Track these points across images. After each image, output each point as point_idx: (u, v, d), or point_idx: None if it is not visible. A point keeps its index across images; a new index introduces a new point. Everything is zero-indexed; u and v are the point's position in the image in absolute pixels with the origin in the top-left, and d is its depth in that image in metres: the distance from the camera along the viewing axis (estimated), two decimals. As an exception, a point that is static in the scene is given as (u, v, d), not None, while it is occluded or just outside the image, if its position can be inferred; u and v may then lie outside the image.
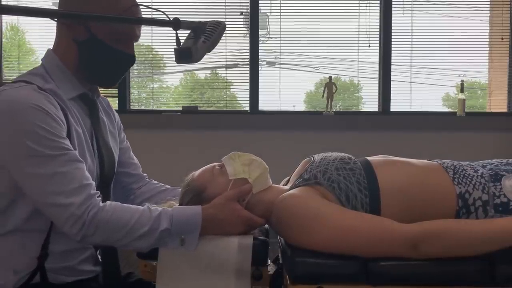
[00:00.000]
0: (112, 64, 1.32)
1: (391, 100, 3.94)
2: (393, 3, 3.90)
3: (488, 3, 4.07)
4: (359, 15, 3.95)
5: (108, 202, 1.21)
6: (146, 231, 1.19)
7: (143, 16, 1.36)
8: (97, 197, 1.20)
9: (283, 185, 1.47)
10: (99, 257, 1.39)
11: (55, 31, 1.34)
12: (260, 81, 3.93)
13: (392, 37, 3.91)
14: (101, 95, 1.48)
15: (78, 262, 1.31)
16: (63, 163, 1.17)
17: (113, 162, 1.42)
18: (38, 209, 1.20)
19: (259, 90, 3.93)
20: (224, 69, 4.05)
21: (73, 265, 1.30)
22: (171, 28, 1.21)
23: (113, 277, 1.39)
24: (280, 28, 3.97)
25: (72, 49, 1.29)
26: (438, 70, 4.03)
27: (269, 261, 1.33)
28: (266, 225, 1.39)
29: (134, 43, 1.36)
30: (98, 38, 1.27)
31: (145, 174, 1.61)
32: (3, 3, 3.91)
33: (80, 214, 1.15)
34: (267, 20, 3.98)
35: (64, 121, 1.22)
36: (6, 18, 4.05)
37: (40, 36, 3.82)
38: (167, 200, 1.44)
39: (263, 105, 3.96)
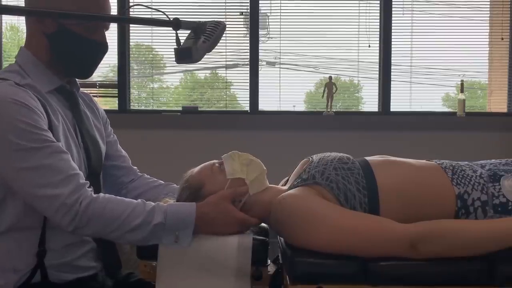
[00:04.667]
0: (84, 54, 1.32)
1: (391, 100, 3.94)
2: (393, 3, 3.90)
3: (488, 3, 4.07)
4: (359, 15, 3.95)
5: (101, 194, 1.22)
6: (139, 223, 1.19)
7: (143, 16, 1.36)
8: (88, 187, 1.20)
9: (282, 186, 1.47)
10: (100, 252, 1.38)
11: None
12: (260, 81, 3.93)
13: (392, 37, 3.91)
14: (99, 95, 1.48)
15: (77, 257, 1.31)
16: (47, 155, 1.17)
17: (100, 153, 1.42)
18: (29, 204, 1.20)
19: (259, 90, 3.93)
20: (224, 69, 4.05)
21: (72, 260, 1.30)
22: (171, 28, 1.21)
23: (114, 272, 1.39)
24: (280, 28, 3.97)
25: (43, 43, 1.30)
26: (438, 70, 4.03)
27: (269, 261, 1.34)
28: (266, 225, 1.39)
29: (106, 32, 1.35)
30: (67, 29, 1.27)
31: (135, 167, 1.61)
32: (3, 3, 3.91)
33: (70, 204, 1.15)
34: (267, 20, 3.98)
35: (44, 114, 1.22)
36: (6, 18, 4.05)
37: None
38: (162, 197, 1.43)
39: (263, 105, 3.95)
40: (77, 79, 1.42)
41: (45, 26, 1.28)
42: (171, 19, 1.20)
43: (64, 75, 1.35)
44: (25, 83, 1.24)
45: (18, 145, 1.15)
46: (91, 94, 1.55)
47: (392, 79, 3.94)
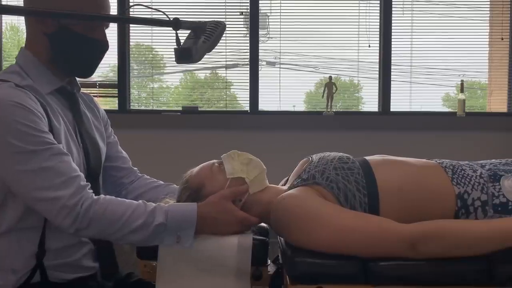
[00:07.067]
0: (85, 53, 1.31)
1: (391, 100, 3.94)
2: (393, 3, 3.90)
3: (488, 3, 4.07)
4: (359, 15, 3.95)
5: (102, 196, 1.21)
6: (140, 224, 1.19)
7: (143, 16, 1.36)
8: (89, 189, 1.20)
9: (282, 185, 1.47)
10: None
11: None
12: (260, 81, 3.93)
13: (392, 37, 3.91)
14: (99, 95, 1.47)
15: (77, 258, 1.31)
16: (48, 157, 1.16)
17: (99, 155, 1.41)
18: (30, 206, 1.20)
19: (259, 90, 3.93)
20: (224, 69, 4.05)
21: (72, 261, 1.29)
22: (171, 28, 1.21)
23: (111, 273, 1.39)
24: (280, 28, 3.97)
25: (43, 43, 1.29)
26: (438, 70, 4.03)
27: (269, 261, 1.34)
28: (266, 225, 1.39)
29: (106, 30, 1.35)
30: (67, 28, 1.26)
31: (136, 168, 1.60)
32: (3, 3, 3.91)
33: (72, 206, 1.15)
34: (267, 20, 3.98)
35: (44, 115, 1.22)
36: (6, 18, 4.05)
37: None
38: (162, 198, 1.43)
39: (263, 105, 3.96)
40: (77, 79, 1.41)
41: (45, 26, 1.27)
42: (171, 19, 1.20)
43: (65, 75, 1.35)
44: (25, 84, 1.24)
45: (18, 147, 1.15)
46: (91, 94, 1.55)
47: (392, 79, 3.94)
